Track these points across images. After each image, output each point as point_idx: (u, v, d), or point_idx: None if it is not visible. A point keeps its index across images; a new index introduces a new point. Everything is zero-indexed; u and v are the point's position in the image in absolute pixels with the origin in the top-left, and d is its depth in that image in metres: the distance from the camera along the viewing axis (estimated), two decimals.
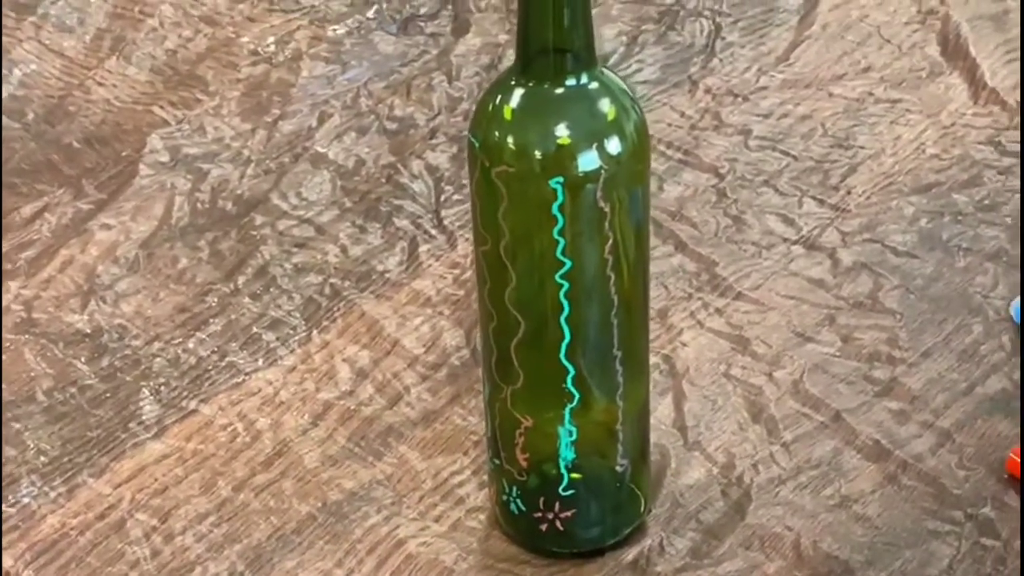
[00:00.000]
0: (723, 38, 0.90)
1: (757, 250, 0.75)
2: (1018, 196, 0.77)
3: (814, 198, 0.78)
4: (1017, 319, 0.69)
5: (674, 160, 0.81)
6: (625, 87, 0.55)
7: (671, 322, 0.71)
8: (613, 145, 0.53)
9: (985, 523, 0.60)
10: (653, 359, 0.68)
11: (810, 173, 0.80)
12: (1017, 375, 0.67)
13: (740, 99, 0.85)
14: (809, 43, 0.90)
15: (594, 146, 0.53)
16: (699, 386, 0.67)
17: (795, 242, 0.75)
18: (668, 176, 0.80)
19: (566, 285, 0.54)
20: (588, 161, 0.53)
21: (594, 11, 0.93)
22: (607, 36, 0.91)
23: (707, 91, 0.86)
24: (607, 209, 0.54)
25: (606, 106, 0.53)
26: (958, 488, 0.61)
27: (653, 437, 0.63)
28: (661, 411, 0.66)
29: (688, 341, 0.70)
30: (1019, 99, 0.83)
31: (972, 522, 0.60)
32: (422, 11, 0.94)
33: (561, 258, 0.54)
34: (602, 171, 0.53)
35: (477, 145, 0.54)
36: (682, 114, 0.84)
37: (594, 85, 0.53)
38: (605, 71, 0.54)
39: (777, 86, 0.86)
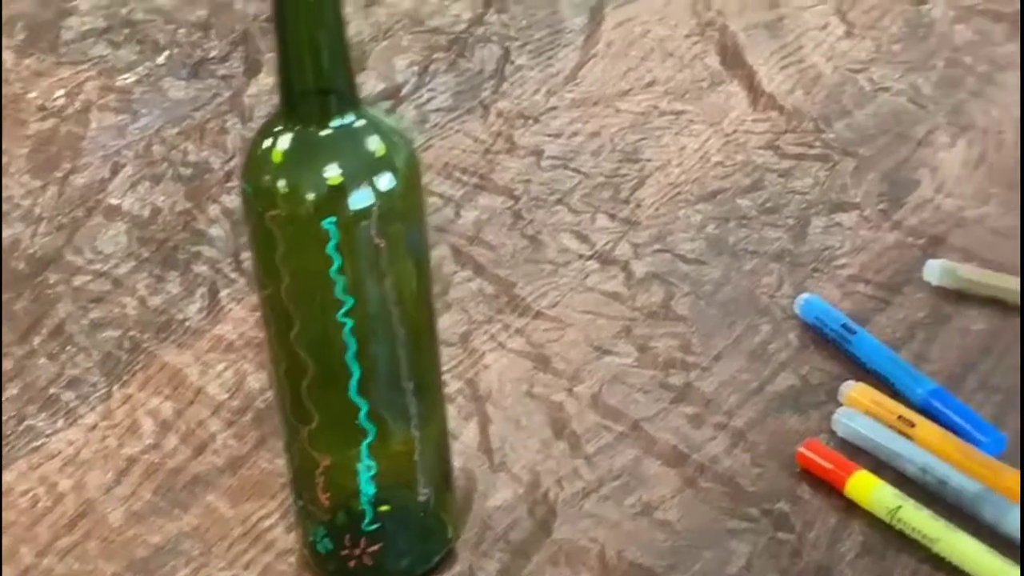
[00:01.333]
0: (512, 62, 0.92)
1: (554, 268, 0.76)
2: (799, 197, 0.80)
3: (606, 213, 0.80)
4: (804, 315, 0.71)
5: (469, 185, 0.82)
6: (392, 123, 0.56)
7: (473, 346, 0.72)
8: (383, 181, 0.54)
9: (780, 518, 0.62)
10: (456, 384, 0.69)
11: (601, 189, 0.82)
12: (804, 370, 0.69)
13: (531, 121, 0.87)
14: (595, 61, 0.92)
15: (364, 184, 0.53)
16: (503, 407, 0.68)
17: (589, 257, 0.77)
18: (464, 201, 0.81)
19: (350, 323, 0.55)
20: (359, 199, 0.53)
21: (385, 43, 0.95)
22: (399, 67, 0.92)
23: (499, 115, 0.88)
24: (383, 245, 0.54)
25: (373, 144, 0.54)
26: (753, 486, 0.63)
27: (459, 462, 0.64)
28: (466, 435, 0.67)
29: (490, 363, 0.71)
30: (794, 105, 0.87)
31: (768, 518, 0.62)
32: (212, 54, 0.94)
33: (342, 297, 0.54)
34: (374, 208, 0.54)
35: (249, 191, 0.54)
36: (475, 139, 0.86)
37: (359, 124, 0.54)
38: (370, 109, 0.55)
39: (566, 106, 0.88)
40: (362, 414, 0.56)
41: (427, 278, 0.57)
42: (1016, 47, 0.89)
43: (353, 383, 0.56)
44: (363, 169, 0.54)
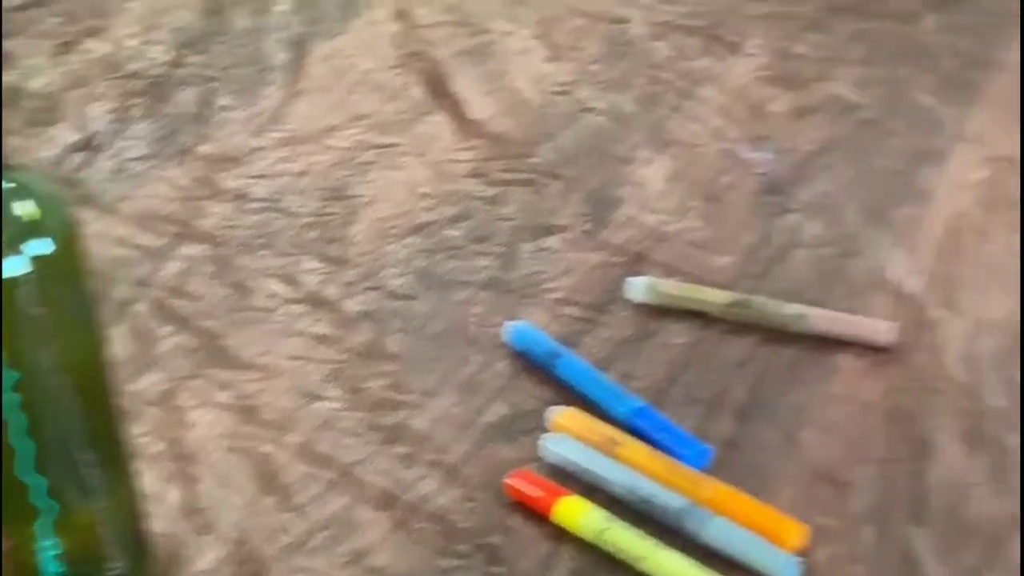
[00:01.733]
0: (214, 103, 0.90)
1: (261, 315, 0.74)
2: (507, 224, 0.80)
3: (314, 254, 0.78)
4: (513, 343, 0.71)
5: (169, 235, 0.80)
6: (46, 185, 0.53)
7: (176, 404, 0.69)
8: (35, 247, 0.51)
9: (492, 551, 0.61)
10: (158, 446, 0.67)
11: (309, 229, 0.80)
12: (516, 398, 0.69)
13: (235, 163, 0.85)
14: (301, 98, 0.90)
15: (13, 251, 0.51)
16: (208, 465, 0.66)
17: (298, 301, 0.75)
18: (165, 253, 0.78)
19: (18, 397, 0.52)
20: (9, 268, 0.50)
21: (81, 91, 0.91)
22: (94, 115, 0.89)
23: (201, 159, 0.85)
24: (44, 312, 0.52)
25: (22, 208, 0.51)
26: (465, 521, 0.63)
27: (162, 526, 0.61)
28: (170, 499, 0.64)
29: (195, 421, 0.68)
30: (500, 131, 0.87)
31: (481, 553, 0.61)
32: None
33: (4, 372, 0.51)
34: (26, 276, 0.51)
35: None
36: (176, 186, 0.83)
37: (7, 187, 0.51)
38: (21, 171, 0.52)
39: (273, 145, 0.86)
40: (39, 491, 0.53)
41: (100, 341, 0.55)
42: (711, 61, 0.91)
43: (28, 460, 0.53)
44: (12, 236, 0.51)
